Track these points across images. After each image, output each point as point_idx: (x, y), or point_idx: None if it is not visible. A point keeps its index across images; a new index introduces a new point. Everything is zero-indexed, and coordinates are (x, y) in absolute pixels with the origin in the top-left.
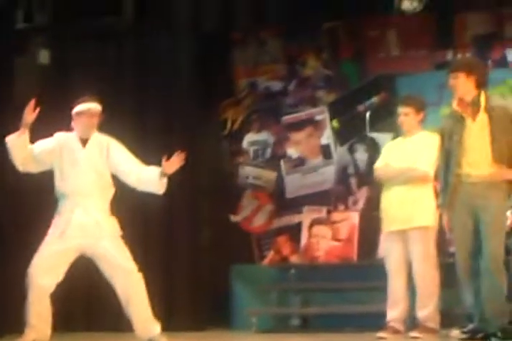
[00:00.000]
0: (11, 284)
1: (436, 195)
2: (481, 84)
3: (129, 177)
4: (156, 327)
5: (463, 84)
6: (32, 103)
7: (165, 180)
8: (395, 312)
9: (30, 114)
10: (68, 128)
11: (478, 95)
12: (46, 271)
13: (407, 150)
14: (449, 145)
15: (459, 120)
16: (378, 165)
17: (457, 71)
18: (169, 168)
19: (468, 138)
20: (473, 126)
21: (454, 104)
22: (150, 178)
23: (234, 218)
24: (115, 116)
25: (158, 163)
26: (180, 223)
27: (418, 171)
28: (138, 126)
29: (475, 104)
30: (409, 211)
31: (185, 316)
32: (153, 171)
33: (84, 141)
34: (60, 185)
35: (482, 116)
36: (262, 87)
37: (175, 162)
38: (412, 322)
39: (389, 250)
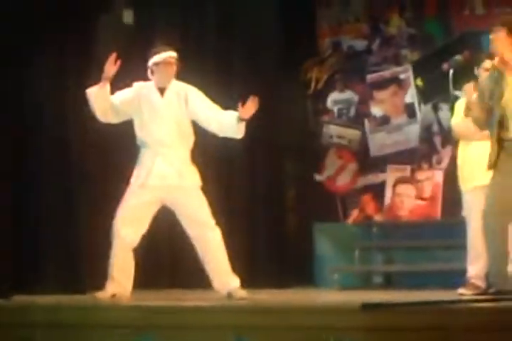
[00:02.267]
0: (97, 238)
1: None
2: None
3: (211, 124)
4: (234, 281)
5: (502, 41)
6: (113, 56)
7: (243, 125)
8: (475, 268)
9: (111, 66)
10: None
11: None
12: (129, 222)
13: None
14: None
15: (499, 78)
16: (455, 121)
17: (499, 27)
18: (245, 112)
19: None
20: None
21: (495, 61)
22: (230, 123)
23: (318, 177)
24: (197, 76)
25: None
26: (264, 181)
27: None
28: (220, 84)
29: None
30: None
31: (269, 273)
32: (232, 115)
33: (162, 90)
34: (140, 134)
35: None
36: (346, 46)
37: (250, 107)
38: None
39: (472, 206)
